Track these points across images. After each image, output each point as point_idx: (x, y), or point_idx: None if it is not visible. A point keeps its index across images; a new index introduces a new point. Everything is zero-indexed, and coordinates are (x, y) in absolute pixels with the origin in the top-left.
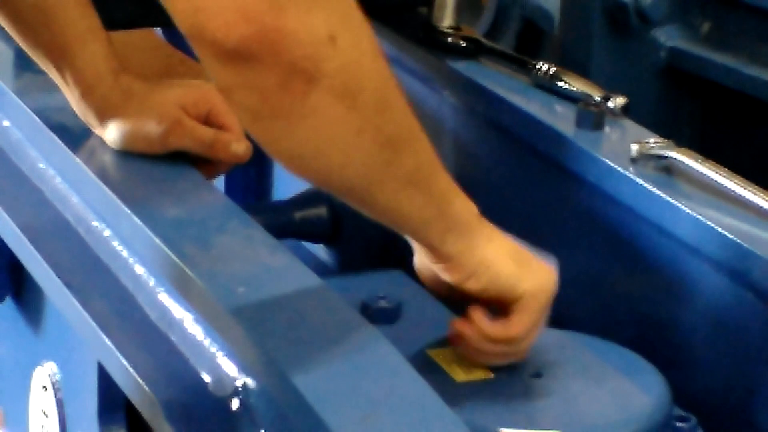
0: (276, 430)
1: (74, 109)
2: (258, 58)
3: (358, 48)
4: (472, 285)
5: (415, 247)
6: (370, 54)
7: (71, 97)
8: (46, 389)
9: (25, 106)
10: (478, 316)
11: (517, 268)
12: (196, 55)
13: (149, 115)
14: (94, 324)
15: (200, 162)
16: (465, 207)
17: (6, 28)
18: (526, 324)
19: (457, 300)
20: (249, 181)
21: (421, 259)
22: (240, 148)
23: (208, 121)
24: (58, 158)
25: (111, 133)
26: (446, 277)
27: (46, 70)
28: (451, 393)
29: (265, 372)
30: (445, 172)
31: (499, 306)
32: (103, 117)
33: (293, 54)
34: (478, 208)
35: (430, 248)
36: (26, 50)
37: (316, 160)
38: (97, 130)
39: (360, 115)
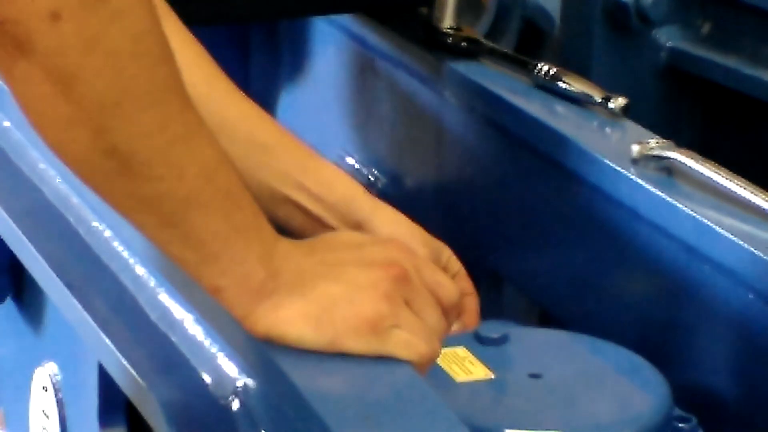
0: (276, 430)
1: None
2: None
3: (83, 37)
4: None
5: None
6: (108, 51)
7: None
8: (46, 390)
9: None
10: None
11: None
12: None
13: None
14: (94, 324)
15: None
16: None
17: None
18: None
19: None
20: None
21: None
22: None
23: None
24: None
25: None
26: None
27: None
28: (452, 393)
29: (265, 372)
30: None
31: None
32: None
33: (4, 13)
34: (479, 208)
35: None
36: None
37: (37, 129)
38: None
39: (75, 107)
